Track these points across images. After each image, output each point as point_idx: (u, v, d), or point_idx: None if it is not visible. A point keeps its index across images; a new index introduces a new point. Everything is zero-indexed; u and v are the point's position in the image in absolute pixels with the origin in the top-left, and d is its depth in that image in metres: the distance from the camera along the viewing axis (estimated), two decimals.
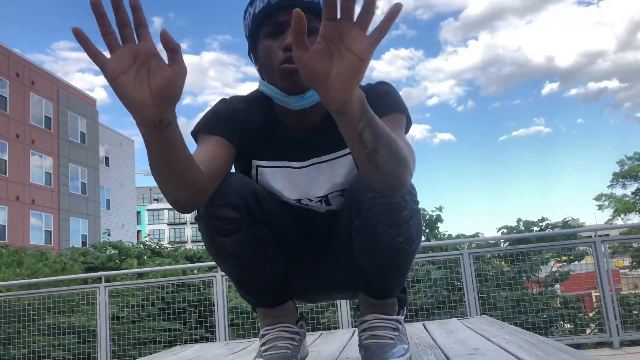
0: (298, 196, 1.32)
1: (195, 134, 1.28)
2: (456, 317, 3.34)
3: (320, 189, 1.31)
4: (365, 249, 1.22)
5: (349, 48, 0.82)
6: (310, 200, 1.33)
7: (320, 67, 0.83)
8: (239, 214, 1.16)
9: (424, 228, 8.62)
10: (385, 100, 1.24)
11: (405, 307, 1.38)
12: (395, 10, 0.81)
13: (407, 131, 1.27)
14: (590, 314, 6.16)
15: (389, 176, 1.01)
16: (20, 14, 70.43)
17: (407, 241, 1.19)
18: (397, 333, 1.29)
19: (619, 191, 37.48)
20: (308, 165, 1.30)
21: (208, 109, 1.34)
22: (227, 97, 1.36)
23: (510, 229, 7.21)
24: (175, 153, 0.96)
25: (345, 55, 0.82)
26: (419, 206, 1.20)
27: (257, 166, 1.32)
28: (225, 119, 1.28)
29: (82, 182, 25.99)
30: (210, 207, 1.17)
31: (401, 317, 1.33)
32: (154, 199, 64.28)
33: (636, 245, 7.13)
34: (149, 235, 16.28)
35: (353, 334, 2.15)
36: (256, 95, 1.32)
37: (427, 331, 2.00)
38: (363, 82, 1.18)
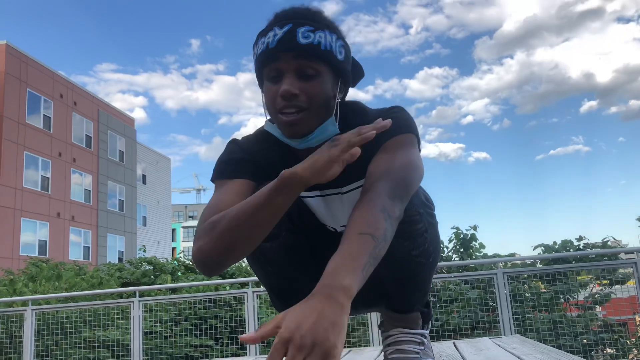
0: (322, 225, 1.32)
1: (215, 180, 1.24)
2: (489, 337, 3.26)
3: (343, 220, 1.27)
4: (382, 263, 1.20)
5: None
6: (335, 230, 1.32)
7: None
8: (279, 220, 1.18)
9: (458, 247, 8.48)
10: (396, 121, 1.18)
11: (430, 322, 1.36)
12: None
13: (418, 142, 1.25)
14: (633, 339, 5.92)
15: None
16: (65, 37, 73.38)
17: (423, 254, 1.18)
18: (422, 347, 1.27)
19: None
20: (335, 194, 1.26)
21: (221, 154, 1.29)
22: (237, 139, 1.32)
23: (547, 247, 7.02)
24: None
25: None
26: (436, 220, 1.19)
27: None
28: (243, 162, 1.24)
29: (119, 200, 26.61)
30: None
31: (426, 332, 1.31)
32: (189, 217, 65.22)
33: None
34: (183, 252, 16.51)
35: (382, 352, 2.13)
36: (265, 132, 1.27)
37: (457, 349, 1.96)
38: (379, 105, 1.25)
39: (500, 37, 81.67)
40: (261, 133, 1.30)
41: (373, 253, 0.94)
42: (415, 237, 1.16)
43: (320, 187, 1.27)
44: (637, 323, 5.98)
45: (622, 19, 78.10)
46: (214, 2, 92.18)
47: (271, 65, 1.16)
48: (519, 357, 1.54)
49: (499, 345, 1.93)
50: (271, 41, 1.15)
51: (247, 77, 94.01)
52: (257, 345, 5.52)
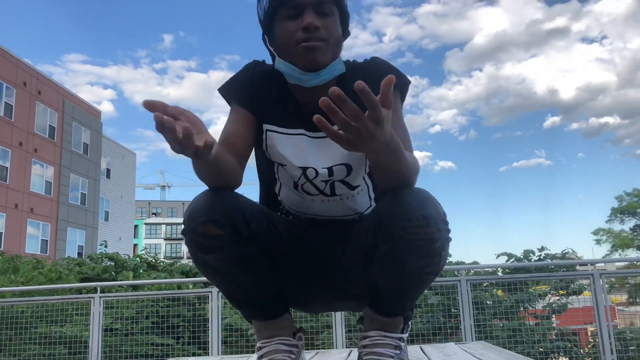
0: (304, 164, 1.32)
1: (226, 97, 1.38)
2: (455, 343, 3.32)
3: (327, 160, 1.31)
4: (388, 275, 1.20)
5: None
6: (316, 172, 1.32)
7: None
8: (222, 231, 1.16)
9: None
10: (372, 83, 1.25)
11: (409, 325, 1.36)
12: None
13: (404, 97, 1.37)
14: (587, 348, 6.11)
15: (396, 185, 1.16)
16: (32, 25, 71.47)
17: (434, 272, 1.19)
18: (398, 352, 1.28)
19: (617, 226, 37.37)
20: (323, 137, 1.31)
21: (238, 71, 1.42)
22: (259, 62, 1.41)
23: (510, 255, 7.19)
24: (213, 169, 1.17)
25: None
26: (450, 235, 1.18)
27: (267, 130, 1.34)
28: (247, 84, 1.36)
29: (82, 193, 25.95)
30: (193, 223, 1.17)
31: (404, 336, 1.32)
32: (152, 213, 64.12)
33: (633, 282, 7.09)
34: (146, 249, 16.19)
35: (349, 355, 2.14)
36: (274, 70, 1.36)
37: (425, 354, 1.99)
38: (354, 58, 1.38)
39: (471, 50, 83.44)
40: (272, 69, 1.36)
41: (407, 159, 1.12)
42: (433, 256, 1.15)
43: (306, 126, 1.31)
44: (589, 333, 6.18)
45: (586, 40, 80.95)
46: None
47: (289, 3, 1.25)
48: None
49: (465, 351, 1.96)
50: None
51: (219, 75, 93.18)
52: (220, 346, 5.47)
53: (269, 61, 1.40)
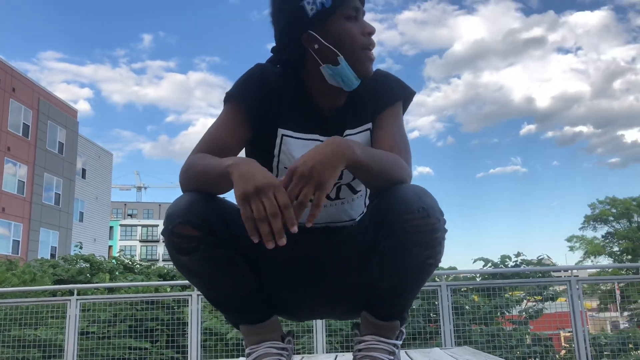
0: None
1: (227, 100, 1.35)
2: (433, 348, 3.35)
3: None
4: (392, 271, 1.20)
5: None
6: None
7: None
8: (199, 232, 1.16)
9: None
10: (382, 92, 1.36)
11: (404, 332, 1.35)
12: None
13: (407, 106, 1.42)
14: (562, 353, 6.22)
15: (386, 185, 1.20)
16: (7, 21, 69.89)
17: (436, 262, 1.20)
18: (392, 357, 1.28)
19: (589, 233, 38.20)
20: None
21: (243, 74, 1.37)
22: (263, 65, 1.38)
23: (486, 261, 7.29)
24: None
25: None
26: (446, 225, 1.20)
27: (283, 135, 1.33)
28: (257, 90, 1.32)
29: (56, 193, 25.45)
30: (171, 224, 1.17)
31: (399, 342, 1.31)
32: (128, 215, 63.24)
33: (604, 288, 7.26)
34: (122, 251, 15.94)
35: (336, 357, 2.14)
36: (286, 69, 1.35)
37: (411, 358, 2.00)
38: None
39: (450, 57, 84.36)
40: (284, 73, 1.35)
41: (383, 156, 1.19)
42: (435, 246, 1.17)
43: (321, 131, 1.32)
44: (562, 339, 6.30)
45: (562, 50, 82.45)
46: None
47: (350, 4, 1.27)
48: None
49: (451, 356, 1.98)
50: None
51: (199, 77, 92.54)
52: (199, 351, 5.41)
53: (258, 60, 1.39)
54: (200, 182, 1.20)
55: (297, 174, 1.08)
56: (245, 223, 1.06)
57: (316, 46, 1.28)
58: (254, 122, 1.32)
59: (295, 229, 1.06)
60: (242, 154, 1.39)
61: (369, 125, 1.37)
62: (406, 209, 1.13)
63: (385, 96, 1.35)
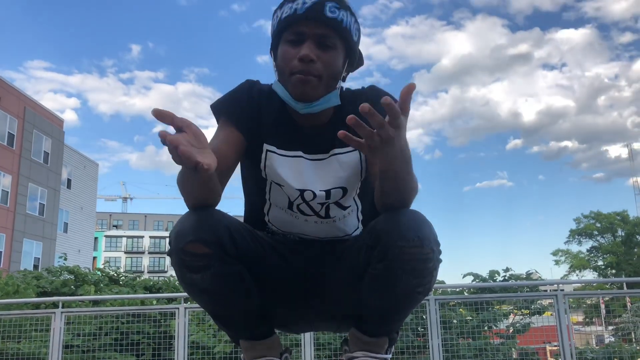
0: (302, 186, 1.33)
1: (216, 113, 1.38)
2: None
3: (325, 183, 1.33)
4: (380, 294, 1.21)
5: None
6: (314, 195, 1.33)
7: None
8: (210, 250, 1.15)
9: None
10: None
11: (393, 346, 1.38)
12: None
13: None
14: None
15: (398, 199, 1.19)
16: None
17: (425, 291, 1.21)
18: None
19: (575, 247, 38.59)
20: (323, 159, 1.35)
21: (233, 89, 1.41)
22: (253, 82, 1.41)
23: (476, 275, 7.32)
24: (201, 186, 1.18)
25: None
26: (441, 256, 1.20)
27: (267, 150, 1.34)
28: (243, 103, 1.36)
29: (40, 203, 25.11)
30: (181, 242, 1.16)
31: (388, 356, 1.33)
32: (113, 226, 62.58)
33: (589, 302, 7.31)
34: (107, 262, 15.71)
35: None
36: (273, 91, 1.38)
37: None
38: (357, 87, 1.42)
39: (437, 72, 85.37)
40: (271, 90, 1.37)
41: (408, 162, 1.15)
42: (425, 276, 1.17)
43: (303, 148, 1.34)
44: (548, 353, 6.33)
45: (547, 66, 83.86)
46: (158, 8, 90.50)
47: (294, 29, 1.27)
48: None
49: None
50: (300, 7, 1.26)
51: (187, 88, 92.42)
52: None
53: (266, 79, 1.41)
54: (185, 185, 1.20)
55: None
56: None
57: (274, 66, 1.34)
58: (243, 132, 1.35)
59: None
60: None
61: None
62: (401, 236, 1.13)
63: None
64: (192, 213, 1.20)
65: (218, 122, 1.38)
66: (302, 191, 1.33)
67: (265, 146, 1.35)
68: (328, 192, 1.33)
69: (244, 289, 1.24)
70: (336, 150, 1.34)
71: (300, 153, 1.34)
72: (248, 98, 1.37)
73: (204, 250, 1.15)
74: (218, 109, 1.38)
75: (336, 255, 1.36)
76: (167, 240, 1.24)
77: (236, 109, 1.35)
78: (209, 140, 1.34)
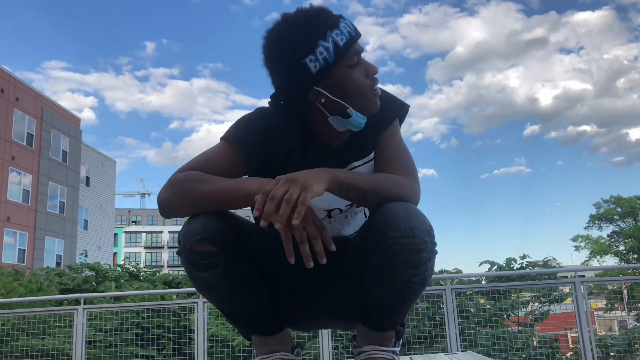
0: (329, 206, 1.36)
1: (224, 138, 1.33)
2: (438, 352, 3.35)
3: (335, 199, 1.33)
4: (379, 286, 1.23)
5: None
6: (340, 211, 1.38)
7: None
8: (217, 248, 1.18)
9: None
10: (379, 115, 1.34)
11: (401, 339, 1.40)
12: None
13: (402, 120, 1.44)
14: (568, 354, 6.21)
15: (386, 202, 1.22)
16: (12, 31, 70.39)
17: (421, 281, 1.21)
18: None
19: (595, 233, 38.09)
20: None
21: (244, 116, 1.37)
22: (265, 110, 1.36)
23: (492, 263, 7.28)
24: None
25: None
26: (436, 248, 1.21)
27: None
28: (256, 137, 1.32)
29: (60, 201, 25.53)
30: (189, 242, 1.19)
31: (397, 349, 1.35)
32: (132, 222, 63.37)
33: (611, 287, 7.24)
34: (127, 258, 15.93)
35: None
36: (290, 115, 1.34)
37: None
38: None
39: (452, 60, 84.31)
40: (287, 116, 1.34)
41: (367, 181, 1.22)
42: (419, 266, 1.18)
43: (326, 166, 1.30)
44: (569, 339, 6.29)
45: (564, 50, 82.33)
46: (172, 5, 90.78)
47: (352, 50, 1.26)
48: None
49: None
50: (351, 29, 1.26)
51: (202, 83, 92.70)
52: (205, 356, 5.43)
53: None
54: (211, 203, 1.21)
55: (283, 179, 1.12)
56: (285, 245, 1.12)
57: (323, 100, 1.27)
58: (249, 167, 1.32)
59: (333, 247, 1.15)
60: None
61: (373, 154, 1.39)
62: (393, 227, 1.15)
63: (382, 118, 1.36)
64: (199, 214, 1.22)
65: (223, 144, 1.33)
66: (329, 211, 1.37)
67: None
68: (351, 205, 1.37)
69: (252, 286, 1.27)
70: (355, 164, 1.37)
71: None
72: (265, 131, 1.33)
73: (212, 249, 1.18)
74: (233, 141, 1.32)
75: (338, 252, 1.37)
76: (177, 239, 1.27)
77: (251, 145, 1.31)
78: (204, 150, 1.34)
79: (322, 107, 1.27)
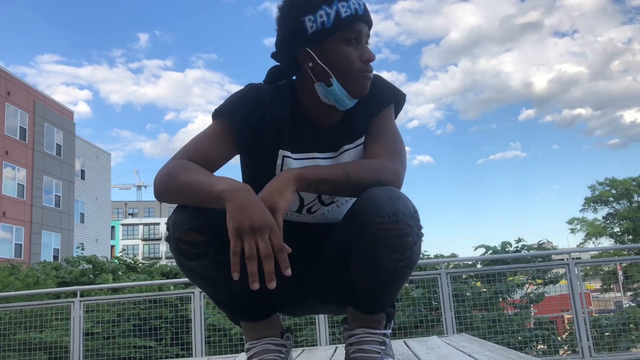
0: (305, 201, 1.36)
1: (217, 116, 1.33)
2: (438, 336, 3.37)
3: None
4: (365, 272, 1.23)
5: None
6: (322, 201, 1.37)
7: None
8: (205, 238, 1.18)
9: None
10: (373, 99, 1.35)
11: (393, 321, 1.40)
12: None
13: (400, 108, 1.43)
14: (564, 335, 6.27)
15: (365, 189, 1.21)
16: (4, 25, 69.63)
17: (408, 265, 1.21)
18: (383, 347, 1.32)
19: (590, 215, 38.34)
20: (334, 157, 1.35)
21: (235, 93, 1.36)
22: (256, 86, 1.36)
23: (487, 247, 7.32)
24: None
25: None
26: (422, 231, 1.21)
27: (284, 156, 1.33)
28: (249, 113, 1.31)
29: (56, 195, 25.46)
30: (178, 231, 1.19)
31: (388, 331, 1.36)
32: (129, 214, 63.28)
33: (606, 269, 7.30)
34: (124, 250, 15.92)
35: (335, 351, 2.17)
36: (281, 89, 1.35)
37: (409, 348, 2.03)
38: None
39: (446, 46, 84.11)
40: (278, 88, 1.35)
41: (337, 172, 1.21)
42: (405, 250, 1.18)
43: (312, 149, 1.33)
44: (566, 320, 6.34)
45: (558, 33, 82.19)
46: None
47: (354, 28, 1.26)
48: (470, 355, 1.62)
49: (448, 344, 2.01)
50: (359, 8, 1.27)
51: (196, 74, 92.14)
52: (204, 347, 5.46)
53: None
54: (185, 196, 1.19)
55: (245, 228, 1.07)
56: (231, 256, 1.06)
57: (311, 64, 1.28)
58: (240, 142, 1.31)
59: (288, 272, 1.07)
60: (230, 172, 1.37)
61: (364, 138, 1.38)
62: (377, 213, 1.15)
63: (375, 103, 1.36)
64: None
65: (214, 122, 1.33)
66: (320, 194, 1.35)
67: (281, 152, 1.33)
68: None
69: (241, 274, 1.27)
70: (346, 147, 1.36)
71: (315, 154, 1.35)
72: (255, 105, 1.32)
73: (200, 239, 1.18)
74: (224, 114, 1.32)
75: (326, 239, 1.38)
76: (165, 227, 1.27)
77: (241, 118, 1.30)
78: (195, 135, 1.34)
79: (309, 70, 1.29)
